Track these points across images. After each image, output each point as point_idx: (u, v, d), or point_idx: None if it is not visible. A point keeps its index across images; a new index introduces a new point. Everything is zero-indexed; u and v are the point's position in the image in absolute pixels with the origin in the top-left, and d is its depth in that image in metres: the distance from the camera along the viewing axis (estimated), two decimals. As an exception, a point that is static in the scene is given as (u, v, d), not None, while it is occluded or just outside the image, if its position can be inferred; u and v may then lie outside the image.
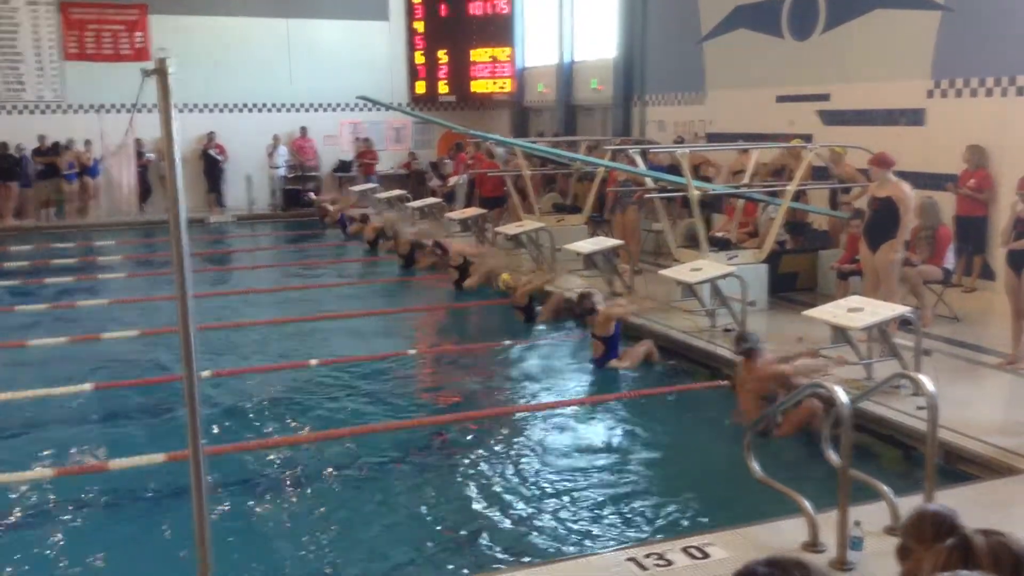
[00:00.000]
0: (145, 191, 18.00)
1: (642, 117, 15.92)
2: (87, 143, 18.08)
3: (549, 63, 18.79)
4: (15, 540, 4.87)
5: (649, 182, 10.72)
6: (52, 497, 5.33)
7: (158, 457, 5.70)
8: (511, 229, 11.75)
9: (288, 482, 5.60)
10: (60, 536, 4.88)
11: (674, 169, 10.67)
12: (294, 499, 5.39)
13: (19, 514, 5.14)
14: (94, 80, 18.38)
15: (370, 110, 19.65)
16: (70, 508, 5.21)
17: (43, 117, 18.34)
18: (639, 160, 10.57)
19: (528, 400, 7.19)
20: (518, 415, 6.76)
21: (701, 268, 8.26)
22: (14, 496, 5.29)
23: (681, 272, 8.43)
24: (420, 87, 20.78)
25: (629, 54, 15.92)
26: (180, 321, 2.88)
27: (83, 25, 18.44)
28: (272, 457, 5.95)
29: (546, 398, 7.15)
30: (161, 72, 2.79)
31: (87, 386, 7.23)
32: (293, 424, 6.60)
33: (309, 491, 5.49)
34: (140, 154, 17.64)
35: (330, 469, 5.76)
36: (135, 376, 7.73)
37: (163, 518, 5.07)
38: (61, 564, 4.59)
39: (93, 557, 4.62)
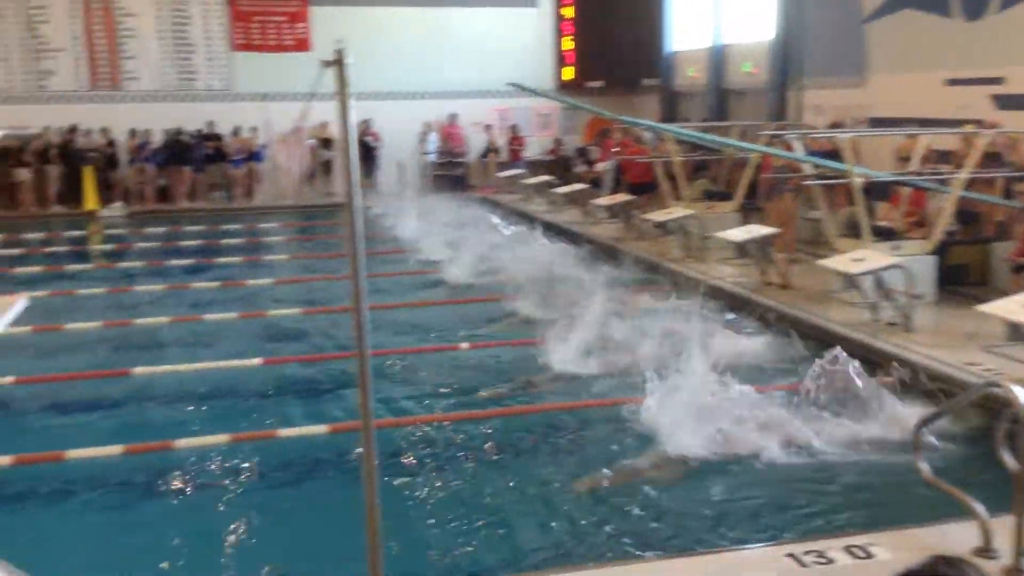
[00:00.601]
0: (307, 176, 18.88)
1: (798, 102, 15.39)
2: (253, 130, 19.07)
3: (699, 47, 18.41)
4: (196, 500, 5.22)
5: (807, 168, 10.35)
6: (226, 462, 5.69)
7: (321, 428, 5.99)
8: (659, 216, 11.62)
9: (453, 458, 5.73)
10: (233, 499, 5.20)
11: (833, 155, 10.28)
12: (459, 474, 5.51)
13: (197, 476, 5.50)
14: (259, 69, 19.36)
15: (517, 97, 19.84)
16: (241, 473, 5.55)
17: (212, 105, 19.41)
18: (797, 145, 10.23)
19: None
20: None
21: (863, 258, 7.93)
22: (193, 459, 5.67)
23: (841, 262, 8.13)
24: (567, 73, 20.81)
25: (786, 36, 15.41)
26: (354, 300, 3.01)
27: (249, 17, 19.41)
28: (428, 434, 6.11)
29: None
30: (339, 63, 2.91)
31: (256, 360, 7.66)
32: (446, 403, 6.77)
33: (472, 468, 5.60)
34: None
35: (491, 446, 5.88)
36: (299, 352, 8.13)
37: (328, 486, 5.33)
38: (234, 525, 4.89)
39: (262, 521, 4.90)
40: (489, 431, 6.13)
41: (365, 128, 19.54)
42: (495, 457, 5.78)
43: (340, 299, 10.25)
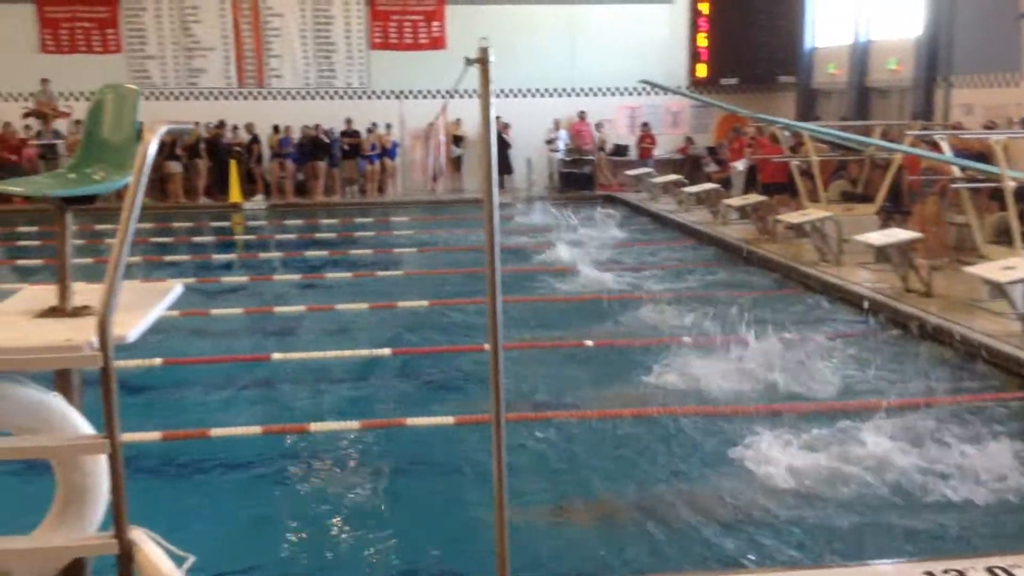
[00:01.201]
0: (439, 172, 19.28)
1: (946, 100, 14.65)
2: (388, 127, 19.57)
3: (841, 43, 17.76)
4: (326, 482, 5.41)
5: (955, 171, 9.84)
6: (356, 447, 5.88)
7: (448, 420, 6.10)
8: (794, 217, 11.28)
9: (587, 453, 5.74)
10: (360, 483, 5.37)
11: (983, 157, 9.74)
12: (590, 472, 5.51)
13: (329, 459, 5.71)
14: (395, 68, 19.86)
15: (648, 94, 19.64)
16: (370, 458, 5.72)
17: (350, 102, 20.02)
18: (944, 146, 9.74)
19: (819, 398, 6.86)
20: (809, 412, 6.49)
21: (1014, 267, 7.49)
22: (325, 442, 5.89)
23: (990, 270, 7.70)
24: (701, 70, 20.46)
25: (934, 31, 14.69)
26: (488, 293, 3.03)
27: (388, 16, 19.92)
28: (555, 430, 6.13)
29: (844, 397, 6.80)
30: (483, 61, 2.94)
31: (386, 351, 7.86)
32: (574, 399, 6.77)
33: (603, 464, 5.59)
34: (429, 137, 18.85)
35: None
36: (427, 343, 8.30)
37: (454, 477, 5.42)
38: (360, 508, 5.05)
39: (388, 506, 5.04)
40: (612, 430, 6.11)
41: (501, 126, 19.78)
42: (623, 456, 5.74)
43: (467, 292, 10.41)
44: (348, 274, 11.51)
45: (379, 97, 20.09)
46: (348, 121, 19.47)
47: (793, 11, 19.11)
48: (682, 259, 12.51)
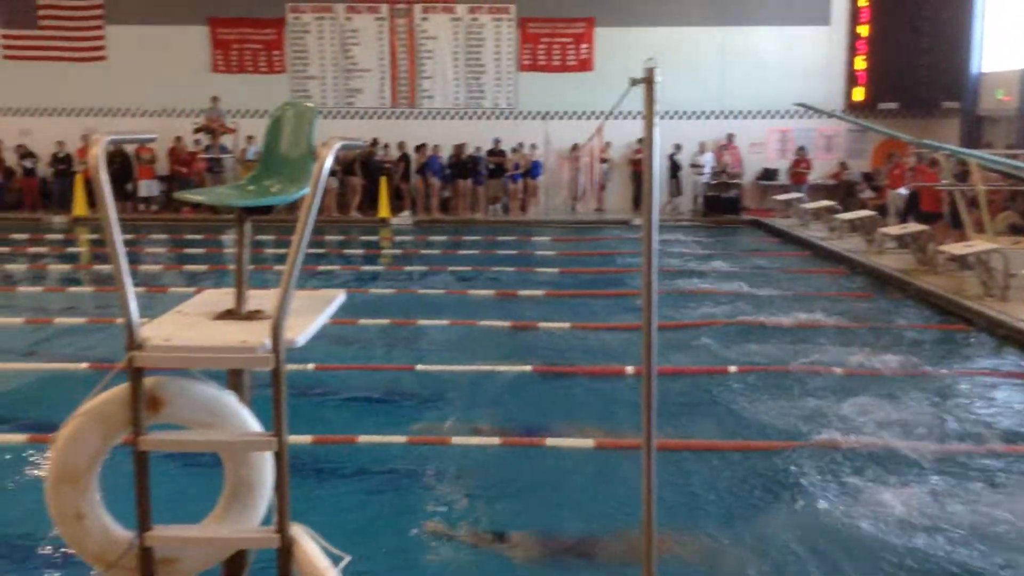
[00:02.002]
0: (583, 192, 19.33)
1: None
2: (532, 147, 19.81)
3: (1012, 67, 16.77)
4: (467, 495, 5.48)
5: None
6: (495, 463, 5.94)
7: (588, 442, 6.08)
8: (958, 249, 10.71)
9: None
10: (500, 499, 5.42)
11: None
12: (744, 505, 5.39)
13: (469, 473, 5.78)
14: (542, 89, 20.13)
15: (801, 117, 19.17)
16: (509, 476, 5.76)
17: (496, 123, 20.40)
18: None
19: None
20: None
21: None
22: (464, 456, 5.97)
23: None
24: (858, 94, 19.77)
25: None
26: (644, 315, 3.02)
27: (537, 39, 20.21)
28: (708, 462, 6.01)
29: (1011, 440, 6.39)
30: (648, 81, 2.94)
31: (527, 367, 7.93)
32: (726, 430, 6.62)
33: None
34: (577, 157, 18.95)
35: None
36: (566, 363, 8.31)
37: (594, 501, 5.39)
38: (497, 523, 5.08)
39: (527, 524, 5.05)
40: (750, 461, 5.94)
41: (638, 147, 19.72)
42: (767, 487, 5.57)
43: (606, 315, 10.40)
44: (491, 291, 11.67)
45: (525, 118, 20.37)
46: (495, 141, 19.81)
47: (959, 34, 18.19)
48: (833, 288, 12.10)
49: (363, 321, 9.57)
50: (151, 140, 3.42)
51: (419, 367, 7.90)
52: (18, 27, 19.95)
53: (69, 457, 2.77)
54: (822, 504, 5.31)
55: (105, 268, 13.46)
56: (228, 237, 16.75)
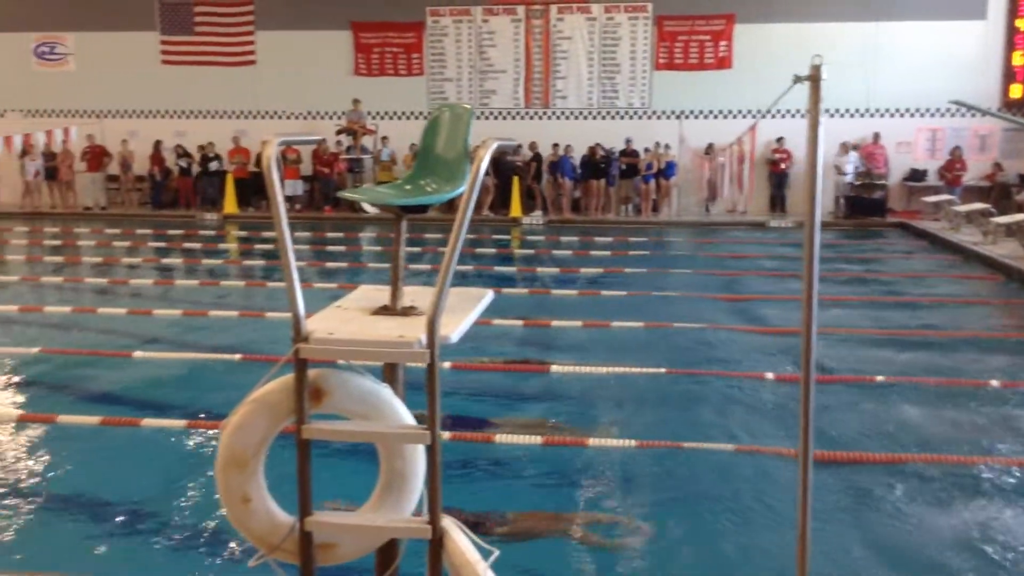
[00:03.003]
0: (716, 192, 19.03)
1: None
2: (666, 147, 19.58)
3: None
4: (609, 497, 5.47)
5: None
6: (632, 465, 5.89)
7: (727, 446, 5.96)
8: None
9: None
10: (635, 501, 5.37)
11: None
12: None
13: (604, 475, 5.76)
14: (677, 88, 19.87)
15: (953, 115, 18.26)
16: (646, 479, 5.70)
17: (630, 122, 20.26)
18: None
19: None
20: None
21: None
22: (602, 457, 5.95)
23: None
24: (1015, 90, 18.68)
25: None
26: (804, 322, 2.93)
27: (674, 37, 19.96)
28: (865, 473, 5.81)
29: None
30: (814, 79, 2.85)
31: (661, 369, 7.84)
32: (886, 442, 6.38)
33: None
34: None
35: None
36: (703, 366, 8.17)
37: (729, 506, 5.28)
38: (629, 527, 5.04)
39: (668, 531, 4.99)
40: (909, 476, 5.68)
41: (777, 147, 19.19)
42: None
43: (741, 318, 10.18)
44: (623, 292, 11.60)
45: (659, 117, 20.15)
46: (628, 141, 19.68)
47: None
48: (987, 295, 11.46)
49: (497, 321, 9.67)
50: (319, 142, 3.57)
51: (554, 368, 7.93)
52: (175, 33, 21.14)
53: (237, 442, 2.92)
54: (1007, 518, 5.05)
55: (252, 263, 14.13)
56: (365, 235, 17.28)
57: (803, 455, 2.95)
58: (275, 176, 2.95)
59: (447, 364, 7.95)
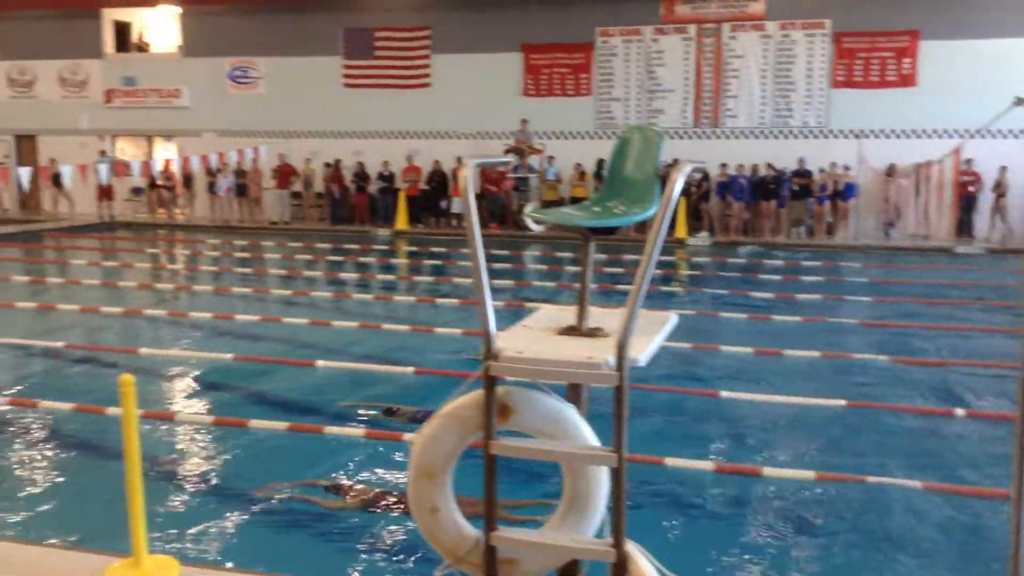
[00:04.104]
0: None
1: None
2: (845, 167, 18.82)
3: None
4: (788, 529, 5.28)
5: None
6: (809, 496, 5.67)
7: (915, 484, 5.64)
8: None
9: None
10: (813, 538, 5.16)
11: None
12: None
13: (782, 506, 5.57)
14: (856, 106, 19.10)
15: None
16: (826, 511, 5.47)
17: (804, 142, 19.62)
18: None
19: None
20: None
21: None
22: (781, 488, 5.75)
23: None
24: None
25: None
26: (1022, 355, 2.74)
27: (853, 54, 19.21)
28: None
29: None
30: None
31: (840, 401, 7.51)
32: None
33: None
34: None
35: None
36: (883, 398, 7.78)
37: (933, 546, 5.00)
38: (812, 562, 4.84)
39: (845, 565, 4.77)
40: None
41: (965, 169, 18.07)
42: None
43: (926, 349, 9.63)
44: (796, 318, 11.22)
45: (836, 136, 19.42)
46: (801, 160, 19.07)
47: None
48: None
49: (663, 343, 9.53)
50: (508, 163, 3.66)
51: (723, 394, 7.75)
52: (357, 58, 22.20)
53: (428, 454, 3.01)
54: None
55: (421, 279, 14.58)
56: (530, 253, 17.50)
57: (1016, 497, 2.75)
58: (471, 196, 3.04)
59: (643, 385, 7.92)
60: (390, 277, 15.52)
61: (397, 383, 8.24)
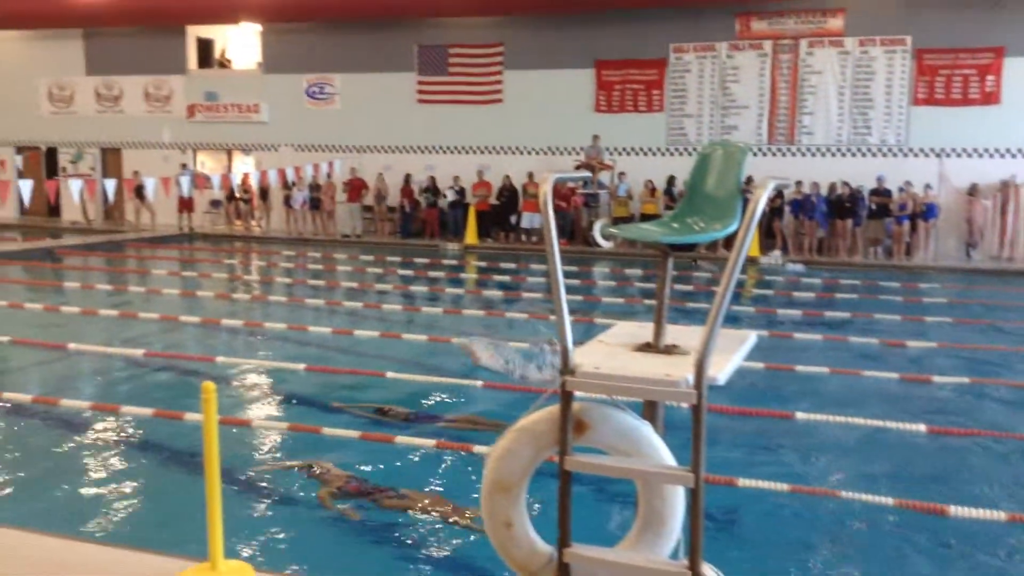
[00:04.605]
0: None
1: None
2: (926, 187, 18.35)
3: None
4: (870, 555, 5.14)
5: None
6: (887, 524, 5.50)
7: (999, 515, 5.43)
8: None
9: None
10: (902, 568, 5.01)
11: None
12: None
13: (861, 532, 5.41)
14: (937, 124, 18.62)
15: None
16: (903, 541, 5.30)
17: (882, 160, 19.19)
18: None
19: None
20: None
21: None
22: (859, 513, 5.60)
23: None
24: None
25: None
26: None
27: (935, 71, 18.75)
28: None
29: None
30: None
31: (920, 426, 7.29)
32: None
33: None
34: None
35: None
36: (964, 424, 7.53)
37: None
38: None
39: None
40: None
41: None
42: None
43: (1010, 372, 9.31)
44: (874, 339, 10.93)
45: (915, 155, 18.95)
46: (879, 179, 18.65)
47: None
48: None
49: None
50: (587, 179, 3.64)
51: (799, 415, 7.59)
52: (431, 74, 22.48)
53: (503, 469, 3.00)
54: None
55: (490, 294, 14.62)
56: (598, 269, 17.43)
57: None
58: (550, 211, 3.03)
59: (684, 404, 7.80)
60: (459, 291, 15.60)
61: (467, 396, 8.28)
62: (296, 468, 6.25)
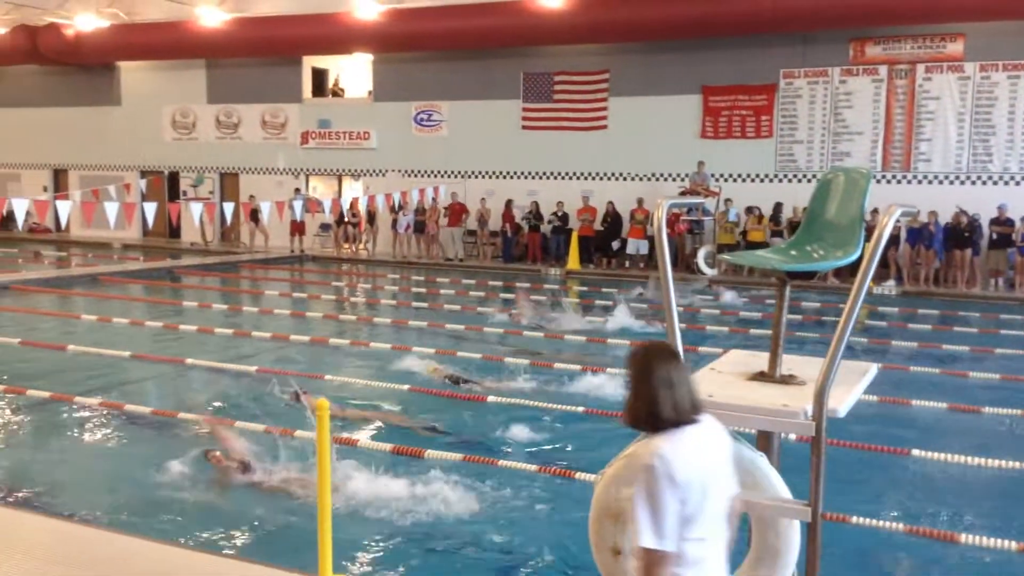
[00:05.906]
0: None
1: None
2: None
3: None
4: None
5: None
6: (1006, 568, 5.22)
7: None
8: None
9: None
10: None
11: None
12: None
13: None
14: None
15: None
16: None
17: (1004, 188, 18.36)
18: None
19: None
20: None
21: None
22: (977, 556, 5.33)
23: None
24: None
25: None
26: None
27: (1062, 95, 17.87)
28: None
29: None
30: None
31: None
32: None
33: None
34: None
35: None
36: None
37: None
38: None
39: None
40: None
41: None
42: None
43: None
44: (995, 375, 10.42)
45: (1036, 183, 18.07)
46: (1001, 207, 17.82)
47: None
48: None
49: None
50: (701, 204, 3.60)
51: (915, 452, 7.27)
52: (536, 101, 22.66)
53: (612, 495, 2.97)
54: None
55: (592, 319, 14.53)
56: (701, 297, 17.13)
57: None
58: (664, 236, 3.01)
59: (791, 436, 7.59)
60: (559, 315, 15.57)
61: (565, 420, 8.24)
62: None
